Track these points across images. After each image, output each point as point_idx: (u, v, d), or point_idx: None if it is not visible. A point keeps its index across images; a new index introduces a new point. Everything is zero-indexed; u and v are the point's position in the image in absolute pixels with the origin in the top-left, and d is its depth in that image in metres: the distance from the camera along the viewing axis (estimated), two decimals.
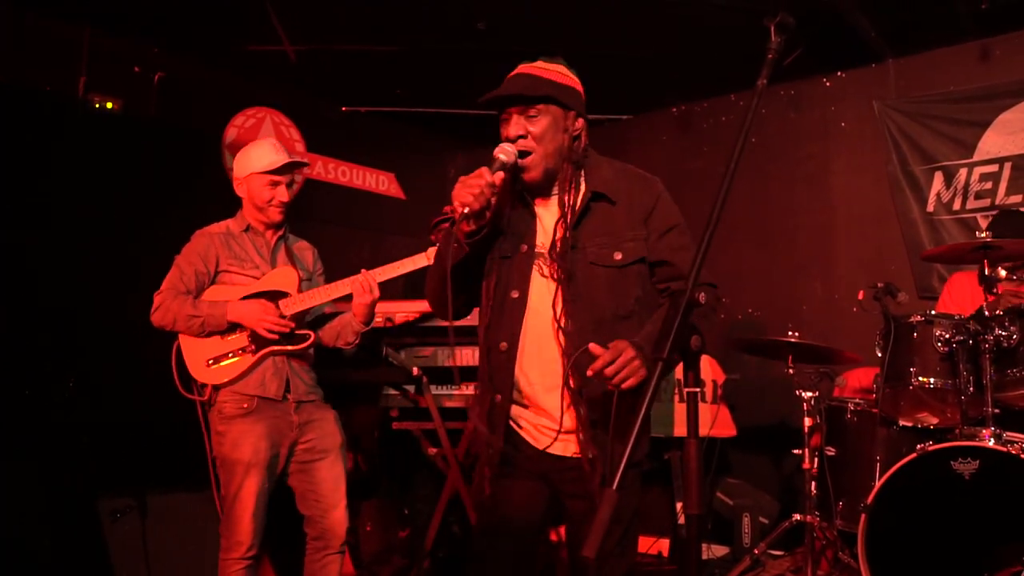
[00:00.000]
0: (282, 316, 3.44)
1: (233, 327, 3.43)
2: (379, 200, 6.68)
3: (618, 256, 2.35)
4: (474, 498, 2.51)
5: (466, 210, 2.17)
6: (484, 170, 2.23)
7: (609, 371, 2.04)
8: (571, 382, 2.26)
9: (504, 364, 2.35)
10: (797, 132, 6.05)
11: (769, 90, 5.97)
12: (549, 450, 2.34)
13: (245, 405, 3.38)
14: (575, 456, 2.30)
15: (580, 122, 2.40)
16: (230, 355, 3.42)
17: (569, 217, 2.34)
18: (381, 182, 6.69)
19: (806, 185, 6.00)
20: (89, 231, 4.43)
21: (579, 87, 2.45)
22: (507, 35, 5.33)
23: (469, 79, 6.05)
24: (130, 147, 4.75)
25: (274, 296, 3.48)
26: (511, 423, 2.38)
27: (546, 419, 2.35)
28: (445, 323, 4.11)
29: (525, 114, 2.31)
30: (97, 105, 4.80)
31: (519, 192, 2.42)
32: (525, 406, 2.38)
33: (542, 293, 2.35)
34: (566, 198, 2.37)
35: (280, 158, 3.52)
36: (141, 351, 3.68)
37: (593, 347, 2.09)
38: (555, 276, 2.33)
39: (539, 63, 2.42)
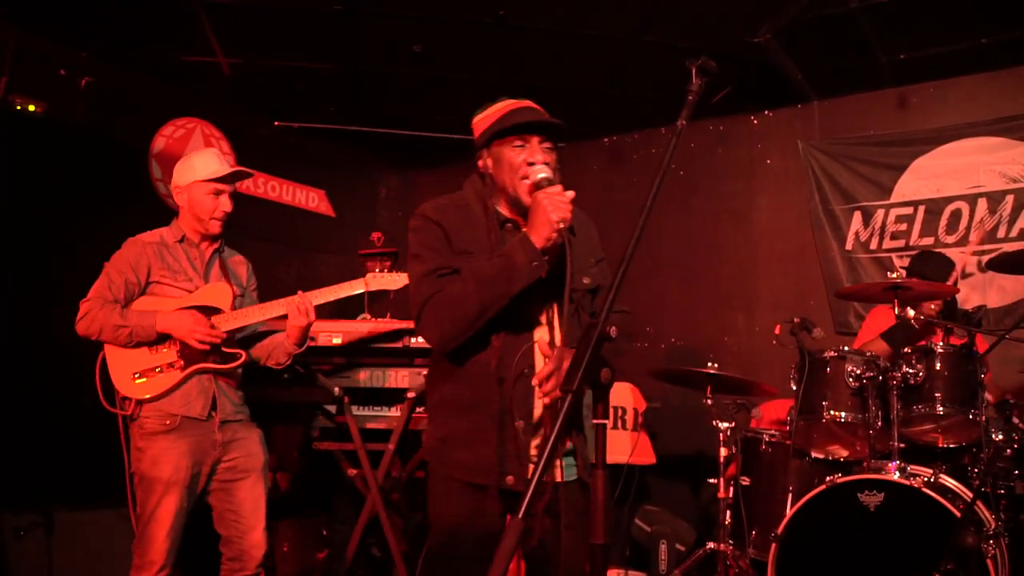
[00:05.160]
0: (214, 350, 3.36)
1: (163, 339, 3.34)
2: (309, 217, 6.63)
3: (587, 280, 2.48)
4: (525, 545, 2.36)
5: (562, 225, 2.20)
6: (560, 187, 2.27)
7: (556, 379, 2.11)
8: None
9: (525, 390, 2.34)
10: (724, 168, 6.20)
11: (698, 126, 6.22)
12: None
13: (168, 422, 3.28)
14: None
15: None
16: (157, 369, 3.32)
17: (566, 243, 2.34)
18: (311, 199, 6.64)
19: (731, 220, 6.15)
20: (5, 238, 4.30)
21: None
22: (442, 60, 5.37)
23: (403, 100, 6.08)
24: (52, 152, 4.64)
25: (207, 312, 3.41)
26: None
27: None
28: (388, 344, 4.14)
29: (543, 144, 2.40)
30: (19, 107, 4.67)
31: (497, 217, 2.46)
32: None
33: (535, 317, 2.40)
34: None
35: (224, 167, 3.46)
36: (59, 363, 3.56)
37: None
38: (544, 299, 2.38)
39: (530, 103, 2.51)
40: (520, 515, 1.30)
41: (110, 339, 3.31)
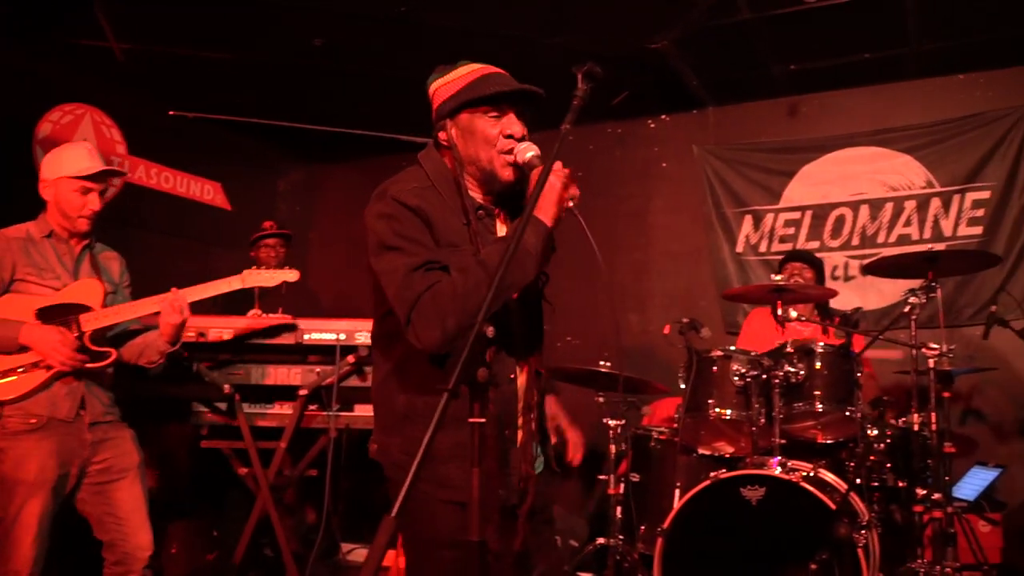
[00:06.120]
0: (81, 348, 3.23)
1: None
2: (204, 210, 6.45)
3: (543, 278, 2.32)
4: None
5: (571, 203, 2.06)
6: (560, 163, 2.07)
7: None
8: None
9: (512, 394, 2.21)
10: (621, 170, 6.32)
11: (597, 128, 6.31)
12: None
13: (32, 421, 3.16)
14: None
15: None
16: (19, 369, 3.19)
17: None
18: (207, 191, 6.48)
19: (627, 221, 6.27)
20: None
21: None
22: (343, 54, 5.32)
23: (303, 93, 5.99)
24: None
25: (75, 310, 3.28)
26: None
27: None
28: (270, 340, 4.07)
29: (521, 116, 2.20)
30: None
31: (469, 202, 2.20)
32: None
33: (509, 313, 2.20)
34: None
35: (95, 164, 3.33)
36: None
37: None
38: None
39: (499, 69, 2.29)
40: (393, 513, 1.31)
41: None
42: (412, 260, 2.05)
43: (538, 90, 2.19)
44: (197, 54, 5.34)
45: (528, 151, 2.12)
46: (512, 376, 2.20)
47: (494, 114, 2.17)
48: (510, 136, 2.16)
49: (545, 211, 2.04)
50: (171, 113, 6.22)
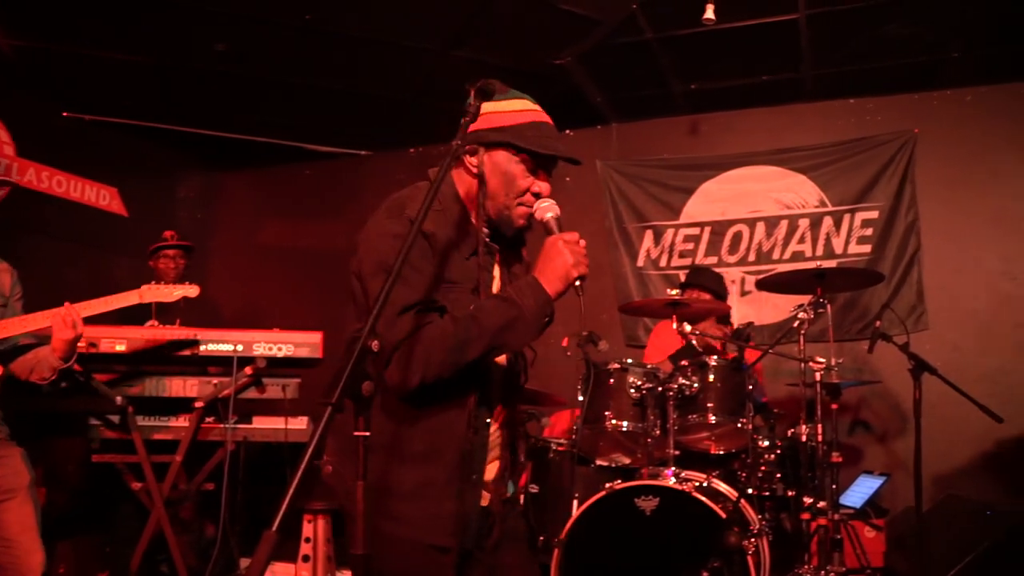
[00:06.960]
0: None
1: None
2: (99, 215, 6.25)
3: None
4: None
5: (579, 283, 2.03)
6: (576, 235, 2.06)
7: None
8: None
9: (483, 441, 2.14)
10: None
11: None
12: None
13: None
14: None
15: None
16: None
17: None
18: (102, 196, 6.27)
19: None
20: None
21: None
22: (247, 60, 5.25)
23: (204, 98, 5.88)
24: None
25: None
26: None
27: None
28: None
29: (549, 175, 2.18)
30: None
31: (479, 242, 2.14)
32: None
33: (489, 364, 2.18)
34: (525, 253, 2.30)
35: None
36: None
37: None
38: None
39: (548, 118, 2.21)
40: (274, 528, 1.30)
41: None
42: (411, 295, 1.98)
43: (579, 161, 2.22)
44: (94, 54, 5.19)
45: (548, 211, 2.11)
46: (488, 420, 2.16)
47: (531, 166, 2.14)
48: (537, 194, 2.13)
49: (551, 283, 2.02)
50: (65, 115, 6.03)
